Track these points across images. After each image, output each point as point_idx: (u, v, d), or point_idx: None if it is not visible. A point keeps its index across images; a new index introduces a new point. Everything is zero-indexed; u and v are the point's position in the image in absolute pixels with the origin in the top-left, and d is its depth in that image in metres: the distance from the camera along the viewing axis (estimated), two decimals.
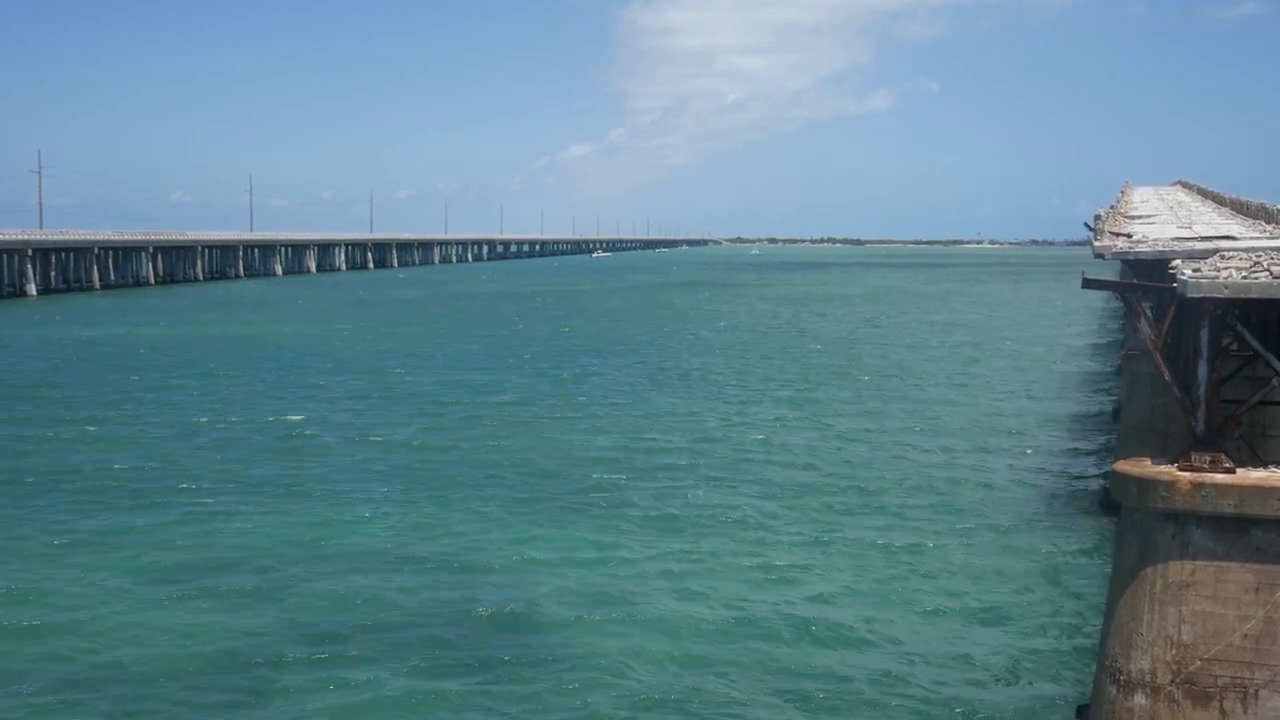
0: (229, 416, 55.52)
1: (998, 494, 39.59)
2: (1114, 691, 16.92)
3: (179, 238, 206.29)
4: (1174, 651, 16.37)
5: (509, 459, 45.27)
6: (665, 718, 22.10)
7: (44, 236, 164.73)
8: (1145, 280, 20.74)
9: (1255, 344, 17.14)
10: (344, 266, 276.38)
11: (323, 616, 27.30)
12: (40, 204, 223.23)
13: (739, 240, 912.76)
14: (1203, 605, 16.28)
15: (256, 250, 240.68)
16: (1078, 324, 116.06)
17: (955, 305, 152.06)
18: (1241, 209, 39.35)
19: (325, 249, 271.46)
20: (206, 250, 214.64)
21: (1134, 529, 17.24)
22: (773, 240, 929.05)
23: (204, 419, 54.74)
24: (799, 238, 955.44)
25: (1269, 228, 29.82)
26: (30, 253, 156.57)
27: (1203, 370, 17.10)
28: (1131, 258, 21.59)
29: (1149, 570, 16.74)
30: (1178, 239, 24.51)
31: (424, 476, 42.16)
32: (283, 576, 30.29)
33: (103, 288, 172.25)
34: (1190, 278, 16.57)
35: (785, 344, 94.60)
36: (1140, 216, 38.52)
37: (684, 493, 39.46)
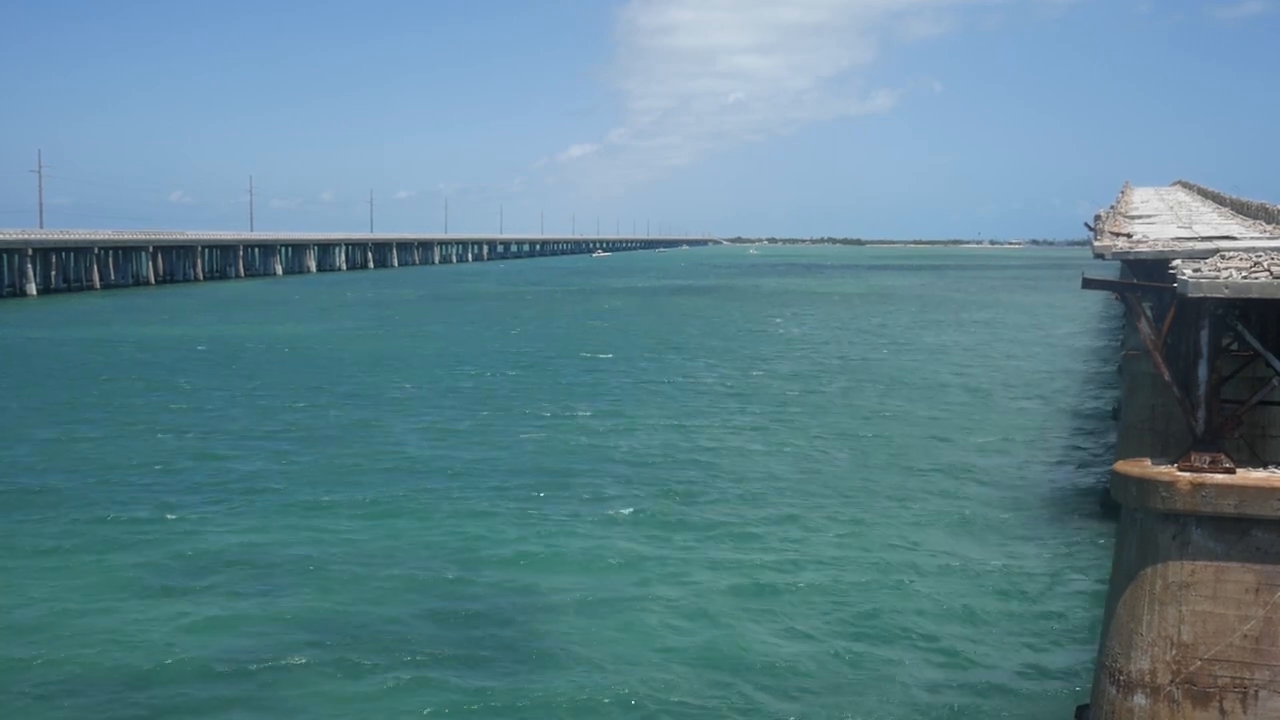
0: (228, 415, 55.51)
1: (998, 494, 39.58)
2: (1114, 691, 16.92)
3: (179, 237, 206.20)
4: (1174, 651, 16.36)
5: (510, 460, 45.28)
6: (666, 716, 22.10)
7: (44, 236, 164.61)
8: (1145, 280, 20.74)
9: (1255, 344, 17.13)
10: (344, 266, 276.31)
11: (322, 616, 27.28)
12: (40, 204, 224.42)
13: (739, 240, 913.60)
14: (1202, 605, 16.27)
15: (256, 250, 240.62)
16: (1078, 324, 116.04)
17: (956, 306, 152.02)
18: (1241, 209, 39.34)
19: (325, 249, 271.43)
20: (206, 250, 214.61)
21: (1134, 529, 17.23)
22: (773, 240, 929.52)
23: (203, 418, 54.72)
24: (799, 238, 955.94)
25: (1269, 228, 29.82)
26: (30, 252, 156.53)
27: (1203, 370, 17.10)
28: (1132, 258, 21.58)
29: (1149, 570, 16.74)
30: (1178, 239, 24.50)
31: (424, 477, 42.14)
32: (282, 576, 30.29)
33: (103, 287, 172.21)
34: (1190, 278, 16.55)
35: (785, 346, 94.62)
36: (1140, 216, 38.50)
37: (686, 494, 39.46)
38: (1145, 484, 16.78)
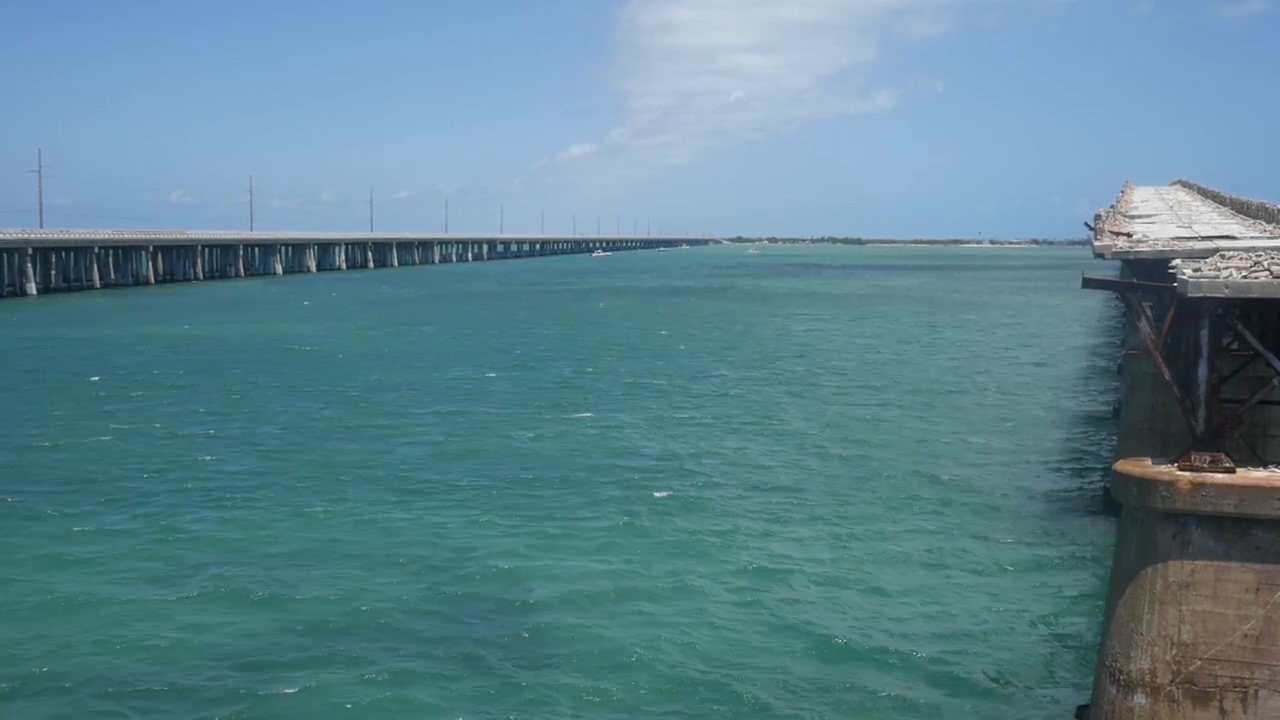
0: (227, 415, 55.50)
1: (998, 494, 39.56)
2: (1114, 691, 16.92)
3: (179, 237, 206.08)
4: (1174, 651, 16.36)
5: (509, 461, 45.29)
6: (665, 715, 22.10)
7: (44, 236, 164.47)
8: (1145, 280, 20.73)
9: (1255, 344, 17.13)
10: (344, 266, 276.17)
11: (322, 616, 27.28)
12: (40, 204, 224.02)
13: (739, 240, 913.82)
14: (1203, 605, 16.27)
15: (257, 249, 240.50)
16: (1078, 323, 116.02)
17: (956, 307, 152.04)
18: (1242, 209, 39.33)
19: (325, 248, 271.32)
20: (207, 249, 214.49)
21: (1134, 529, 17.23)
22: (773, 240, 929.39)
23: (201, 418, 54.72)
24: (799, 237, 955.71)
25: (1269, 227, 29.82)
26: (30, 252, 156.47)
27: (1203, 370, 17.09)
28: (1132, 257, 21.60)
29: (1149, 570, 16.74)
30: (1178, 238, 24.51)
31: (423, 478, 42.16)
32: (280, 577, 30.28)
33: (103, 287, 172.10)
34: (1190, 277, 16.55)
35: (784, 347, 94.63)
36: (1140, 216, 38.50)
37: (686, 496, 39.46)
38: (1145, 483, 16.78)
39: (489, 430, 51.64)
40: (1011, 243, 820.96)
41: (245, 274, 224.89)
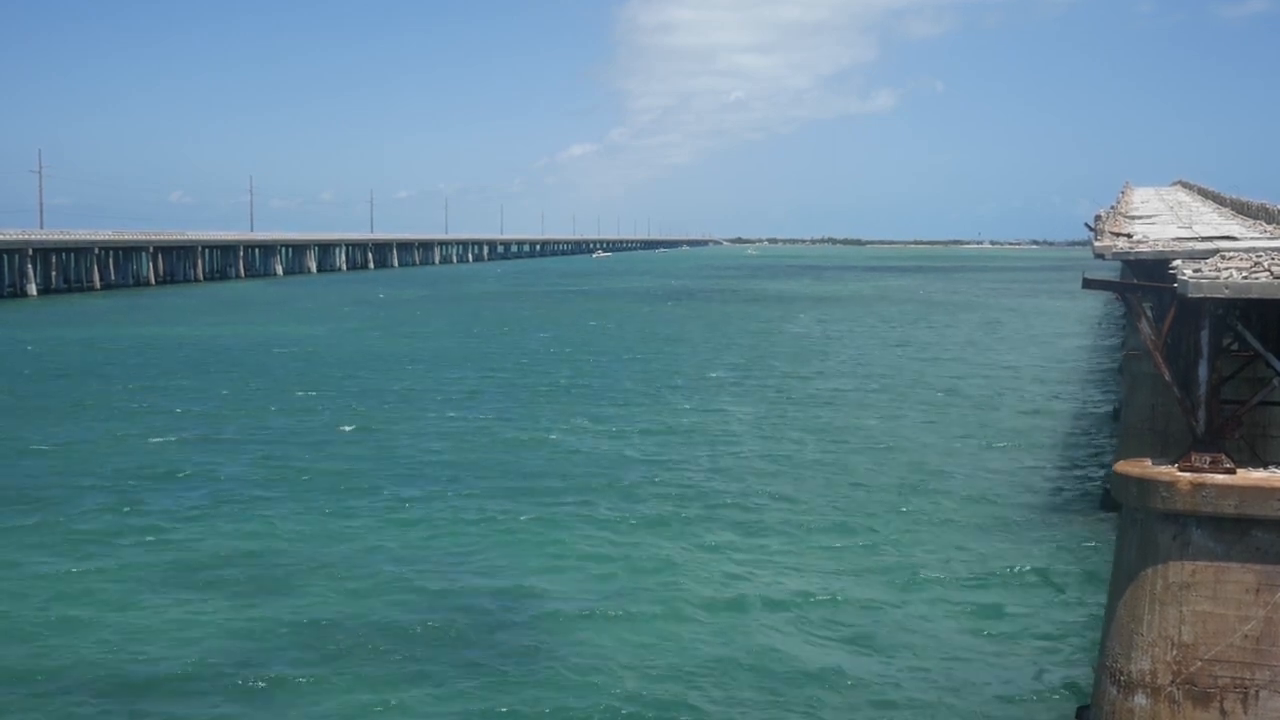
0: (228, 417, 55.50)
1: (998, 494, 39.55)
2: (1114, 692, 16.92)
3: (179, 238, 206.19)
4: (1174, 652, 16.36)
5: (511, 464, 45.29)
6: (663, 716, 22.09)
7: (44, 236, 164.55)
8: (1146, 280, 20.73)
9: (1255, 344, 17.13)
10: (344, 267, 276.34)
11: (317, 620, 27.24)
12: (40, 204, 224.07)
13: (739, 240, 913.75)
14: (1203, 606, 16.27)
15: (257, 250, 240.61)
16: (1078, 324, 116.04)
17: (954, 308, 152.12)
18: (1242, 209, 39.34)
19: (326, 249, 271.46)
20: (207, 250, 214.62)
21: (1134, 529, 17.23)
22: (772, 240, 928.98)
23: (201, 420, 54.73)
24: (799, 238, 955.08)
25: (1269, 228, 29.83)
26: (30, 253, 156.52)
27: (1203, 370, 17.10)
28: (1132, 258, 21.61)
29: (1149, 571, 16.74)
30: (1178, 239, 24.54)
31: (423, 479, 42.15)
32: (282, 580, 30.27)
33: (103, 288, 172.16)
34: (1191, 278, 16.56)
35: (783, 349, 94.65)
36: (1141, 216, 38.52)
37: (687, 498, 39.46)
38: (1145, 484, 16.78)
39: (485, 434, 51.62)
40: (1011, 243, 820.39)
41: (245, 275, 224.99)
